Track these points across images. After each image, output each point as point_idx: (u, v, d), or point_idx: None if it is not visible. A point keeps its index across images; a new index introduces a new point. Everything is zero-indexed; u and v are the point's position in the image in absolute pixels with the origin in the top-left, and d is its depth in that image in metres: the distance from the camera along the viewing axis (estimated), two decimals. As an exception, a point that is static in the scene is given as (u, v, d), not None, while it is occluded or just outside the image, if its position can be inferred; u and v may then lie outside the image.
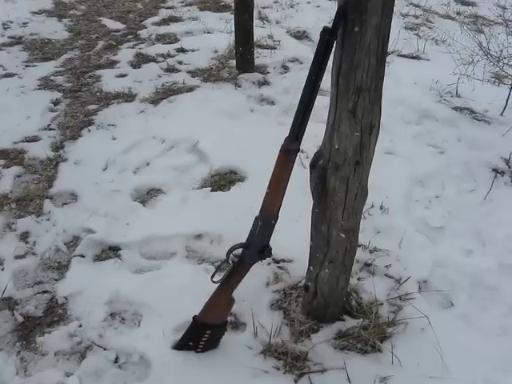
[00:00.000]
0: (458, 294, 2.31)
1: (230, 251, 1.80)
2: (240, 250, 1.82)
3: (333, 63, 1.55)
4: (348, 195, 1.70)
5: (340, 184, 1.68)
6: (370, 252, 2.49)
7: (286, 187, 1.68)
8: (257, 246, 1.78)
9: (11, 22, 5.28)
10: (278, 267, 2.40)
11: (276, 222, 1.75)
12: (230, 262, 1.83)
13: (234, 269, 1.83)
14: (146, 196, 2.88)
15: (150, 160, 3.14)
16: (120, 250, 2.51)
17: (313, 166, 1.74)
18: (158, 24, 5.25)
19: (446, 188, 3.00)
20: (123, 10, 5.69)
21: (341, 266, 1.91)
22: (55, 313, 2.21)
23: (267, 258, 1.86)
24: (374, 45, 1.44)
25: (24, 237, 2.59)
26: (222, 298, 1.89)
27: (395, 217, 2.72)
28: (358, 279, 2.33)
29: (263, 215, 1.72)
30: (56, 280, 2.37)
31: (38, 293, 2.30)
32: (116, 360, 2.01)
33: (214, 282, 1.83)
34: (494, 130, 3.45)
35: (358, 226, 1.85)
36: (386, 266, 2.41)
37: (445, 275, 2.40)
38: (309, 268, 2.01)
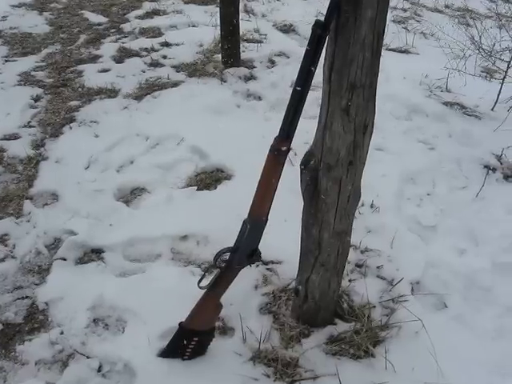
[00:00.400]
0: (452, 295, 2.25)
1: (217, 256, 1.72)
2: (228, 254, 1.74)
3: (325, 58, 1.47)
4: (340, 197, 1.63)
5: (332, 185, 1.60)
6: (362, 252, 2.43)
7: (275, 189, 1.60)
8: (245, 250, 1.70)
9: (-11, 16, 5.14)
10: (267, 269, 2.33)
11: (265, 224, 1.68)
12: (218, 266, 1.74)
13: (222, 274, 1.75)
14: (130, 195, 2.79)
15: (133, 158, 3.04)
16: (103, 252, 2.42)
17: (304, 166, 1.66)
18: (142, 17, 5.13)
19: (438, 185, 2.94)
20: (106, 3, 5.54)
21: (332, 269, 1.84)
22: (36, 319, 2.12)
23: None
24: (369, 39, 1.36)
25: (3, 239, 2.49)
26: (210, 303, 1.82)
27: (386, 215, 2.65)
28: (350, 281, 2.26)
29: (252, 218, 1.64)
30: (36, 284, 2.27)
31: (18, 298, 2.21)
32: (99, 369, 1.92)
33: (200, 287, 1.75)
34: (485, 126, 3.40)
35: (351, 228, 1.78)
36: (378, 267, 2.35)
37: (438, 276, 2.34)
38: (299, 271, 1.94)
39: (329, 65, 1.44)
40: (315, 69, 1.41)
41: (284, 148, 1.52)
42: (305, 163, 1.65)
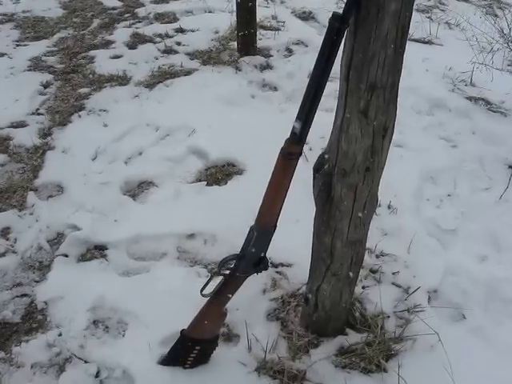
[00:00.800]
0: (471, 306, 2.12)
1: (221, 263, 1.61)
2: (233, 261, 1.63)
3: (343, 54, 1.34)
4: (356, 204, 1.51)
5: (347, 192, 1.48)
6: (377, 257, 2.30)
7: (286, 194, 1.48)
8: (252, 259, 1.59)
9: (3, -1, 5.06)
10: (276, 272, 2.22)
11: (274, 231, 1.56)
12: (222, 274, 1.64)
13: (226, 282, 1.64)
14: (137, 189, 2.69)
15: (142, 149, 2.94)
16: (106, 249, 2.32)
17: (317, 170, 1.54)
18: (157, 2, 4.99)
19: (459, 185, 2.80)
20: (121, -14, 5.43)
21: (345, 279, 1.73)
22: (34, 319, 2.04)
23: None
24: (392, 34, 1.22)
25: (5, 233, 2.41)
26: (213, 311, 1.71)
27: (404, 217, 2.52)
28: (363, 288, 2.14)
29: (259, 225, 1.52)
30: (36, 282, 2.19)
31: (17, 296, 2.13)
32: (97, 374, 1.84)
33: (203, 295, 1.65)
34: (511, 123, 3.23)
35: (366, 238, 1.66)
36: (394, 273, 2.22)
37: (457, 284, 2.21)
38: (309, 279, 1.83)
39: (347, 62, 1.31)
40: (331, 68, 1.28)
41: (295, 151, 1.39)
42: (318, 167, 1.52)
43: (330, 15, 1.24)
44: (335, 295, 1.78)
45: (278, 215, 1.52)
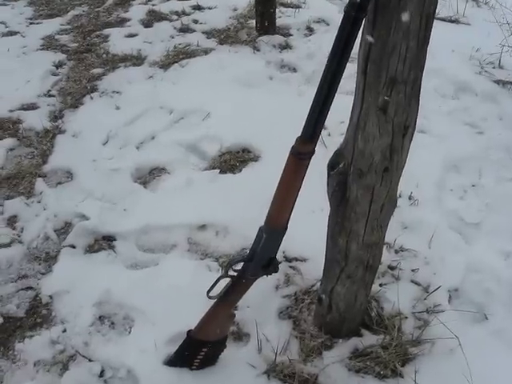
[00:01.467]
0: (494, 306, 2.00)
1: (229, 265, 1.52)
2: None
3: (360, 45, 1.22)
4: (372, 206, 1.40)
5: (363, 193, 1.37)
6: (396, 252, 2.19)
7: (297, 194, 1.38)
8: (261, 260, 1.50)
9: (17, -26, 4.95)
10: (290, 267, 2.12)
11: (285, 232, 1.46)
12: (229, 276, 1.55)
13: (234, 284, 1.55)
14: (148, 176, 2.60)
15: (155, 133, 2.85)
16: (115, 240, 2.25)
17: (332, 167, 1.43)
18: (175, -23, 4.86)
19: (484, 175, 2.65)
20: (138, -39, 5.28)
21: (360, 281, 1.63)
22: (38, 314, 1.98)
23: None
24: (416, 24, 1.10)
25: (11, 221, 2.36)
26: (221, 312, 1.63)
27: (425, 209, 2.40)
28: (380, 285, 2.03)
29: (269, 227, 1.42)
30: (42, 274, 2.13)
31: (22, 289, 2.07)
32: (101, 374, 1.77)
33: (209, 297, 1.56)
34: (541, 109, 3.07)
35: (383, 239, 1.55)
36: (413, 270, 2.11)
37: (479, 283, 2.09)
38: (323, 278, 1.73)
39: (364, 54, 1.19)
40: (346, 61, 1.16)
41: (307, 151, 1.29)
42: (332, 165, 1.41)
43: (347, 2, 1.12)
44: (350, 297, 1.68)
45: (289, 217, 1.42)
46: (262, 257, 1.49)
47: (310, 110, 1.23)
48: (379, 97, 1.20)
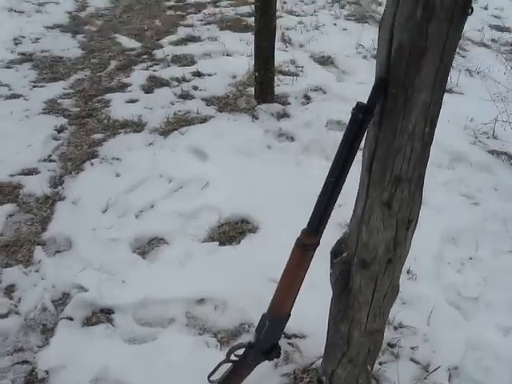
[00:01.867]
0: (495, 387, 2.00)
1: (231, 350, 1.52)
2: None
3: (365, 143, 1.26)
4: (375, 295, 1.41)
5: (367, 283, 1.39)
6: (395, 329, 2.19)
7: (301, 284, 1.39)
8: (263, 347, 1.49)
9: (23, 37, 5.07)
10: (289, 343, 2.11)
11: (288, 319, 1.47)
12: (230, 361, 1.54)
13: (235, 369, 1.54)
14: (147, 246, 2.60)
15: (154, 202, 2.86)
16: (113, 313, 2.23)
17: (335, 255, 1.45)
18: (176, 43, 4.99)
19: (481, 248, 2.68)
20: (140, 26, 5.44)
21: (361, 365, 1.62)
22: (34, 390, 1.94)
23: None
24: (420, 127, 1.14)
25: (9, 291, 2.33)
26: (221, 396, 1.61)
27: (424, 284, 2.41)
28: (380, 364, 2.02)
29: (272, 315, 1.43)
30: (39, 347, 2.10)
31: (17, 363, 2.03)
32: None
33: (210, 381, 1.55)
34: (536, 180, 3.13)
35: (385, 326, 1.55)
36: (413, 348, 2.11)
37: (479, 360, 2.09)
38: (324, 360, 1.72)
39: (370, 152, 1.22)
40: (352, 160, 1.20)
41: (312, 243, 1.31)
42: (336, 253, 1.43)
43: (354, 105, 1.16)
44: (351, 381, 1.67)
45: (293, 304, 1.43)
46: (264, 343, 1.49)
47: (317, 203, 1.26)
48: (384, 193, 1.23)
